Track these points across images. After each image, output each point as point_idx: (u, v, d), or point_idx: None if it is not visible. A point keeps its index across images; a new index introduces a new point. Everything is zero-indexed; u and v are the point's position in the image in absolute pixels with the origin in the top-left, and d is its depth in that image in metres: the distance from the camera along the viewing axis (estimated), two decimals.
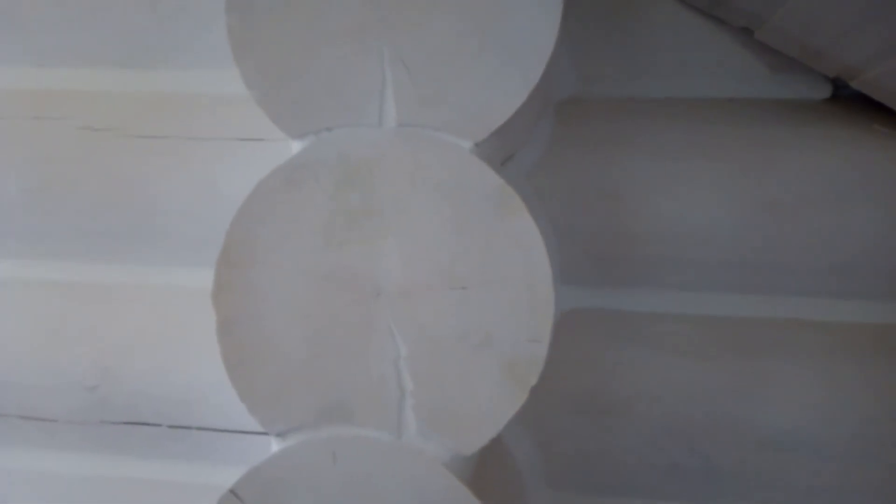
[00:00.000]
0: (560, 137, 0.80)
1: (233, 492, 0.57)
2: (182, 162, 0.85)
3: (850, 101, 0.79)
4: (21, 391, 0.88)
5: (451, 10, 0.56)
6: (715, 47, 0.80)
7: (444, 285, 0.56)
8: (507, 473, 0.74)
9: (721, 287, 0.80)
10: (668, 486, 0.78)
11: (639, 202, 0.78)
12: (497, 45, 0.56)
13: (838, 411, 0.76)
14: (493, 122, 0.56)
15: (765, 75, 0.80)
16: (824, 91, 0.80)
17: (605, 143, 0.79)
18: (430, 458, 0.55)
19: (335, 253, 0.57)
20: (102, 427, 0.88)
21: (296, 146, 0.59)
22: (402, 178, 0.57)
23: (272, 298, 0.58)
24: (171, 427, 0.86)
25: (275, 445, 0.59)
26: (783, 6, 0.65)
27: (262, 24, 0.58)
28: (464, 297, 0.56)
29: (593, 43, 0.81)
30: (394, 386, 0.56)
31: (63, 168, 0.87)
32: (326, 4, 0.57)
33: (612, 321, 0.81)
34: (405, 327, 0.57)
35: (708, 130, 0.79)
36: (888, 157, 0.74)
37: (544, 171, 0.79)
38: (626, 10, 0.80)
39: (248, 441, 0.85)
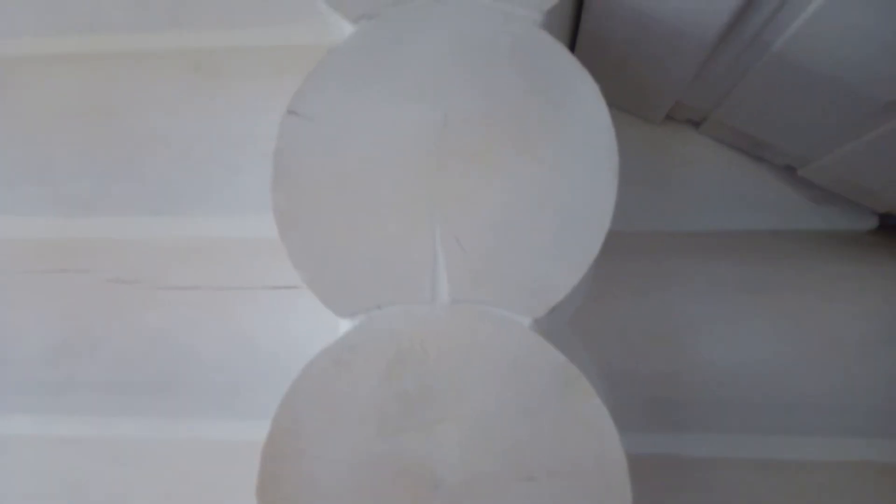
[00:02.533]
0: (602, 277, 0.77)
1: None
2: (212, 313, 0.83)
3: None
4: None
5: (504, 182, 0.55)
6: (756, 182, 0.79)
7: (510, 476, 0.52)
8: None
9: (780, 429, 0.76)
10: None
11: (688, 344, 0.75)
12: (553, 217, 0.54)
13: None
14: (551, 297, 0.54)
15: (808, 207, 0.79)
16: (870, 222, 0.78)
17: (649, 281, 0.77)
18: None
19: (389, 441, 0.54)
20: None
21: (345, 325, 0.57)
22: (459, 357, 0.54)
23: (322, 494, 0.54)
24: None
25: None
26: (831, 153, 0.64)
27: (308, 201, 0.56)
28: (532, 489, 0.52)
29: (634, 178, 0.80)
30: None
31: (89, 322, 0.85)
32: (374, 181, 0.56)
33: (668, 467, 0.77)
34: None
35: (755, 266, 0.77)
36: None
37: (589, 314, 0.76)
38: (664, 147, 0.80)
39: None
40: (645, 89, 0.69)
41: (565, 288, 0.54)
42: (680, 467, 0.76)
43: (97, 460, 0.85)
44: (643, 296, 0.76)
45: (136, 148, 0.86)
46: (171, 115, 0.85)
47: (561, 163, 0.55)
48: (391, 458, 0.54)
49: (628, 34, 0.58)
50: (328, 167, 0.57)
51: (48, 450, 0.86)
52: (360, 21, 0.58)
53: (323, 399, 0.55)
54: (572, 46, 0.67)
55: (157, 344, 0.84)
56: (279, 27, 0.86)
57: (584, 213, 0.54)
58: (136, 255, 0.86)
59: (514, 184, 0.55)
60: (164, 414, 0.85)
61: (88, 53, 0.88)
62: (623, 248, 0.80)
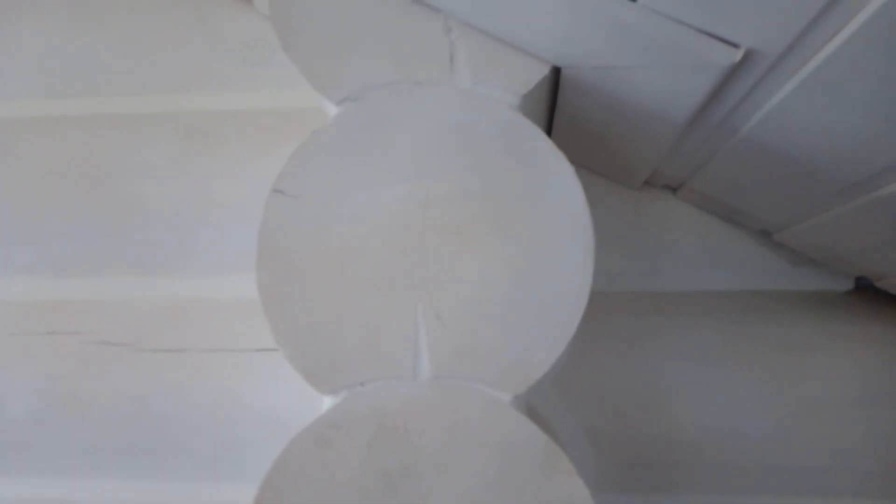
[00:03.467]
0: (584, 337, 0.78)
1: None
2: (200, 375, 0.83)
3: (873, 292, 0.79)
4: None
5: (483, 260, 0.56)
6: (733, 244, 0.81)
7: None
8: None
9: (762, 490, 0.76)
10: None
11: (670, 405, 0.76)
12: (531, 294, 0.56)
13: None
14: (531, 374, 0.55)
15: (786, 269, 0.80)
16: (847, 283, 0.80)
17: (631, 342, 0.78)
18: None
19: None
20: None
21: (328, 402, 0.57)
22: (441, 433, 0.55)
23: None
24: None
25: None
26: (805, 223, 0.66)
27: (292, 278, 0.57)
28: None
29: (615, 240, 0.82)
30: None
31: (76, 385, 0.85)
32: (357, 258, 0.57)
33: None
34: None
35: (735, 326, 0.78)
36: None
37: (572, 375, 0.77)
38: (644, 210, 0.82)
39: None
40: (622, 160, 0.71)
41: (544, 365, 0.55)
42: None
43: None
44: (625, 356, 0.77)
45: (125, 210, 0.88)
46: (160, 177, 0.87)
47: (538, 242, 0.56)
48: None
49: (603, 115, 0.60)
50: (312, 245, 0.58)
51: None
52: (343, 103, 0.60)
53: (305, 478, 0.55)
54: (550, 124, 0.69)
55: (144, 406, 0.84)
56: (269, 91, 0.88)
57: (562, 290, 0.56)
58: (123, 316, 0.87)
59: (492, 261, 0.56)
60: (152, 476, 0.85)
61: (80, 116, 0.90)
62: (605, 308, 0.81)
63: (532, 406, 0.69)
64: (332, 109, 0.60)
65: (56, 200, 0.89)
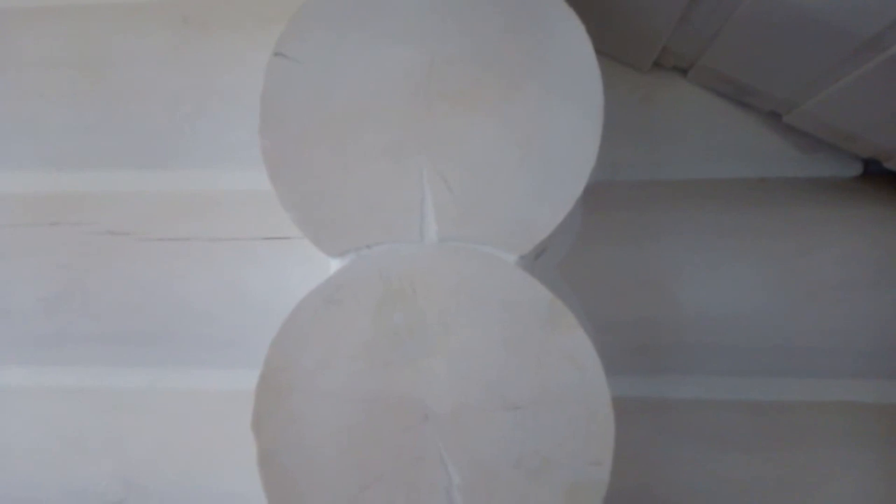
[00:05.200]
0: (590, 225, 0.78)
1: None
2: (205, 264, 0.84)
3: (881, 178, 0.78)
4: None
5: (489, 123, 0.55)
6: (742, 130, 0.79)
7: (496, 406, 0.54)
8: None
9: (765, 371, 0.78)
10: None
11: (675, 289, 0.77)
12: (538, 156, 0.55)
13: None
14: (537, 234, 0.55)
15: (794, 155, 0.80)
16: (855, 169, 0.79)
17: (636, 230, 0.78)
18: None
19: (380, 376, 0.55)
20: None
21: (335, 265, 0.58)
22: (447, 294, 0.55)
23: (315, 426, 0.55)
24: None
25: None
26: (816, 96, 0.65)
27: (296, 144, 0.57)
28: (518, 418, 0.53)
29: (620, 128, 0.81)
30: None
31: (82, 274, 0.85)
32: (361, 123, 0.56)
33: (652, 409, 0.79)
34: (457, 453, 0.54)
35: (740, 213, 0.78)
36: None
37: (577, 262, 0.77)
38: (651, 95, 0.80)
39: None
40: (631, 35, 0.69)
41: (550, 226, 0.55)
42: (663, 409, 0.79)
43: (94, 411, 0.87)
44: (628, 244, 0.78)
45: (123, 101, 0.86)
46: (157, 67, 0.85)
47: (546, 102, 0.55)
48: (381, 393, 0.55)
49: None
50: (315, 109, 0.57)
51: (45, 401, 0.88)
52: None
53: (314, 337, 0.56)
54: None
55: (150, 295, 0.84)
56: None
57: (569, 151, 0.55)
58: (127, 207, 0.86)
59: (499, 124, 0.55)
60: (159, 364, 0.87)
61: (74, 5, 0.88)
62: (609, 197, 0.81)
63: None
64: None
65: (52, 92, 0.87)
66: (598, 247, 0.78)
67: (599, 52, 0.55)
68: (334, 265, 0.58)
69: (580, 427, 0.53)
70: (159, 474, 0.84)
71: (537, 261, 0.74)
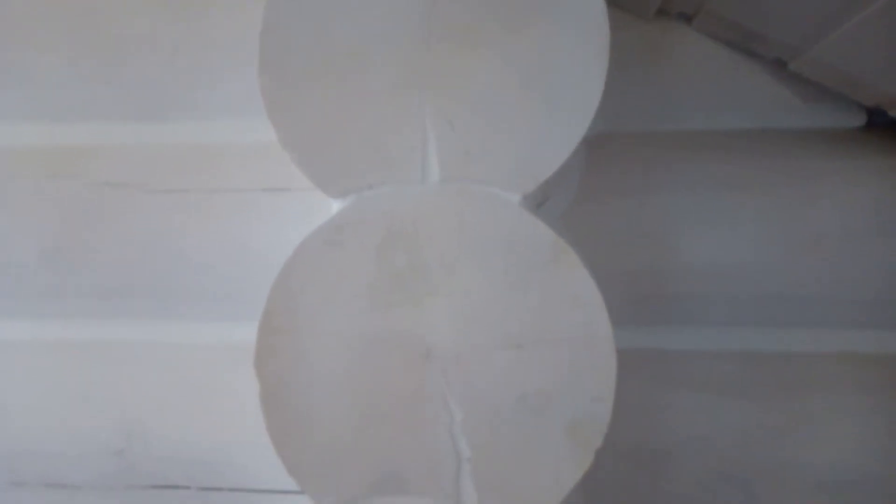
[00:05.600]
0: (592, 175, 0.78)
1: None
2: (204, 215, 0.83)
3: (885, 129, 0.77)
4: (43, 459, 0.85)
5: (493, 62, 0.55)
6: (746, 80, 0.79)
7: (498, 345, 0.54)
8: None
9: (765, 322, 0.78)
10: None
11: (676, 240, 0.76)
12: (542, 95, 0.54)
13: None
14: (540, 173, 0.55)
15: (798, 105, 0.79)
16: (859, 119, 0.78)
17: (638, 181, 0.78)
18: None
19: (382, 316, 0.55)
20: (129, 492, 0.84)
21: (336, 206, 0.57)
22: (449, 235, 0.55)
23: (317, 365, 0.55)
24: (201, 489, 0.83)
25: None
26: (823, 39, 0.64)
27: (296, 83, 0.56)
28: (519, 356, 0.53)
29: (623, 79, 0.80)
30: (450, 453, 0.54)
31: (81, 226, 0.85)
32: (362, 61, 0.56)
33: (655, 361, 0.79)
34: (459, 391, 0.54)
35: (743, 164, 0.77)
36: None
37: (578, 212, 0.77)
38: (654, 46, 0.79)
39: (282, 501, 0.82)
40: None
41: (553, 165, 0.55)
42: (662, 360, 0.79)
43: (95, 363, 0.87)
44: (630, 195, 0.77)
45: (119, 53, 0.85)
46: (154, 17, 0.84)
47: (550, 40, 0.54)
48: (383, 332, 0.55)
49: None
50: (315, 47, 0.56)
51: (46, 354, 0.88)
52: None
53: (316, 277, 0.56)
54: None
55: (149, 247, 0.84)
56: None
57: (574, 90, 0.54)
58: (124, 159, 0.86)
59: (503, 62, 0.55)
60: (158, 317, 0.87)
61: None
62: (612, 148, 0.80)
63: None
64: None
65: (48, 43, 0.86)
66: (599, 198, 0.77)
67: None
68: (335, 207, 0.58)
69: (582, 364, 0.53)
70: (160, 425, 0.84)
71: (539, 210, 0.73)
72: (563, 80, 0.54)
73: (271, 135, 0.67)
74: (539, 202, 0.73)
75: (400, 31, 0.55)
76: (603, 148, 0.80)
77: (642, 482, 0.76)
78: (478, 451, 0.53)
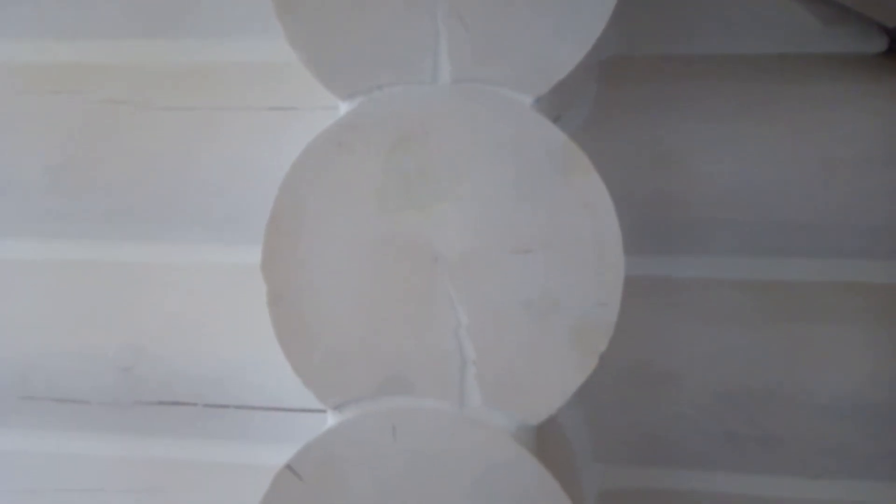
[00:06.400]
0: (605, 98, 0.77)
1: (289, 467, 0.55)
2: (210, 134, 0.82)
3: None
4: (53, 373, 0.86)
5: None
6: (764, 1, 0.76)
7: (507, 249, 0.54)
8: (561, 449, 0.72)
9: (775, 251, 0.77)
10: (722, 456, 0.76)
11: (688, 164, 0.75)
12: None
13: None
14: (554, 75, 0.53)
15: (816, 29, 0.77)
16: (879, 44, 0.76)
17: (651, 104, 0.76)
18: (495, 428, 0.53)
19: (390, 219, 0.55)
20: (137, 408, 0.86)
21: (344, 108, 0.57)
22: (459, 137, 0.54)
23: (325, 268, 0.55)
24: (207, 406, 0.84)
25: (331, 419, 0.56)
26: None
27: None
28: (528, 261, 0.53)
29: (638, 1, 0.78)
30: (455, 356, 0.54)
31: (85, 144, 0.84)
32: None
33: (661, 288, 0.79)
34: (466, 295, 0.54)
35: (758, 89, 0.76)
36: None
37: (589, 135, 0.76)
38: None
39: (287, 418, 0.83)
40: None
41: (567, 66, 0.53)
42: (670, 288, 0.79)
43: (101, 284, 0.87)
44: (643, 119, 0.76)
45: None
46: None
47: None
48: (391, 236, 0.55)
49: None
50: None
51: (53, 273, 0.88)
52: None
53: (323, 179, 0.55)
54: None
55: (154, 167, 0.84)
56: None
57: None
58: (128, 77, 0.84)
59: None
60: (165, 239, 0.86)
61: None
62: (626, 71, 0.79)
63: None
64: None
65: None
66: (611, 121, 0.76)
67: None
68: (343, 109, 0.57)
69: (590, 270, 0.53)
70: (167, 344, 0.85)
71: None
72: None
73: (278, 53, 0.66)
74: (552, 119, 0.72)
75: None
76: (617, 71, 0.78)
77: (645, 404, 0.77)
78: (483, 354, 0.54)
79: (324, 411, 0.58)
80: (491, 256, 0.54)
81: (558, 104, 0.70)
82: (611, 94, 0.77)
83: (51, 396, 0.87)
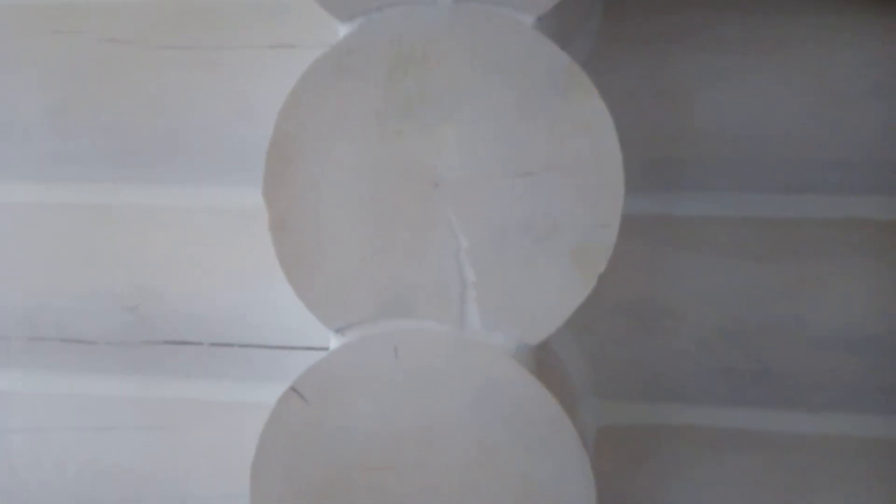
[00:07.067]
0: (608, 31, 0.75)
1: (293, 389, 0.56)
2: (210, 74, 0.82)
3: None
4: (60, 313, 0.87)
5: None
6: None
7: (508, 172, 0.54)
8: (562, 381, 0.73)
9: (779, 188, 0.77)
10: (720, 390, 0.77)
11: (690, 98, 0.75)
12: None
13: None
14: None
15: None
16: None
17: (655, 37, 0.75)
18: (495, 348, 0.54)
19: (390, 143, 0.55)
20: (143, 347, 0.87)
21: (343, 30, 0.56)
22: (460, 58, 0.54)
23: (326, 192, 0.55)
24: (212, 345, 0.86)
25: (334, 342, 0.57)
26: None
27: None
28: (529, 184, 0.53)
29: None
30: (455, 279, 0.55)
31: (86, 84, 0.84)
32: None
33: (662, 225, 0.79)
34: (466, 218, 0.54)
35: (763, 21, 0.74)
36: None
37: (592, 69, 0.75)
38: None
39: (291, 357, 0.84)
40: None
41: None
42: (671, 225, 0.79)
43: (105, 226, 0.87)
44: (646, 52, 0.75)
45: None
46: None
47: None
48: (392, 160, 0.55)
49: None
50: None
51: (55, 216, 0.88)
52: None
53: (323, 103, 0.55)
54: None
55: (154, 107, 0.83)
56: None
57: None
58: (129, 16, 0.84)
59: None
60: (165, 182, 0.87)
61: None
62: (630, 5, 0.77)
63: None
64: None
65: None
66: (614, 54, 0.75)
67: None
68: (342, 31, 0.56)
69: (590, 191, 0.53)
70: (171, 284, 0.86)
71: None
72: None
73: None
74: None
75: None
76: (621, 4, 0.77)
77: (643, 340, 0.77)
78: (483, 277, 0.54)
79: (326, 349, 0.59)
80: (491, 179, 0.54)
81: (562, 37, 0.69)
82: (612, 27, 0.75)
83: (59, 337, 0.88)
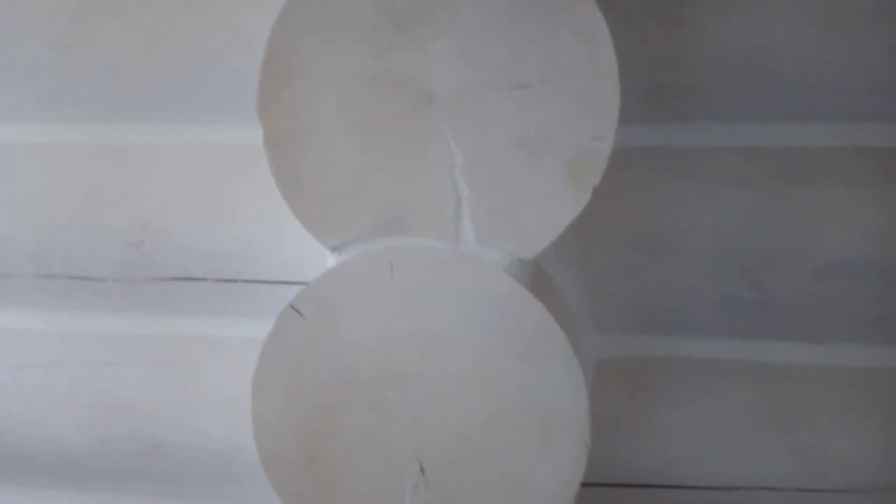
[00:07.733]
0: None
1: (292, 306, 0.56)
2: (212, 8, 0.81)
3: None
4: (67, 250, 0.88)
5: None
6: None
7: (502, 85, 0.53)
8: (561, 311, 0.73)
9: (781, 116, 0.76)
10: (722, 320, 0.77)
11: (693, 22, 0.73)
12: None
13: None
14: None
15: None
16: None
17: None
18: (490, 264, 0.54)
19: (384, 58, 0.54)
20: (150, 284, 0.88)
21: None
22: None
23: (320, 109, 0.55)
24: (217, 281, 0.87)
25: (330, 261, 0.58)
26: None
27: None
28: (523, 97, 0.53)
29: None
30: (450, 195, 0.55)
31: (86, 22, 0.84)
32: None
33: (662, 157, 0.78)
34: (460, 133, 0.54)
35: None
36: None
37: None
38: None
39: (296, 292, 0.85)
40: None
41: None
42: (671, 155, 0.78)
43: (108, 164, 0.88)
44: None
45: None
46: None
47: None
48: (385, 75, 0.54)
49: None
50: None
51: (59, 156, 0.89)
52: None
53: (316, 19, 0.55)
54: None
55: (156, 43, 0.83)
56: None
57: None
58: None
59: None
60: (171, 119, 0.87)
61: None
62: None
63: None
64: None
65: None
66: None
67: None
68: None
69: (585, 103, 0.52)
70: (175, 220, 0.86)
71: None
72: None
73: None
74: None
75: None
76: None
77: (644, 271, 0.77)
78: (477, 192, 0.54)
79: None
80: (486, 93, 0.53)
81: None
82: None
83: (67, 275, 0.90)
